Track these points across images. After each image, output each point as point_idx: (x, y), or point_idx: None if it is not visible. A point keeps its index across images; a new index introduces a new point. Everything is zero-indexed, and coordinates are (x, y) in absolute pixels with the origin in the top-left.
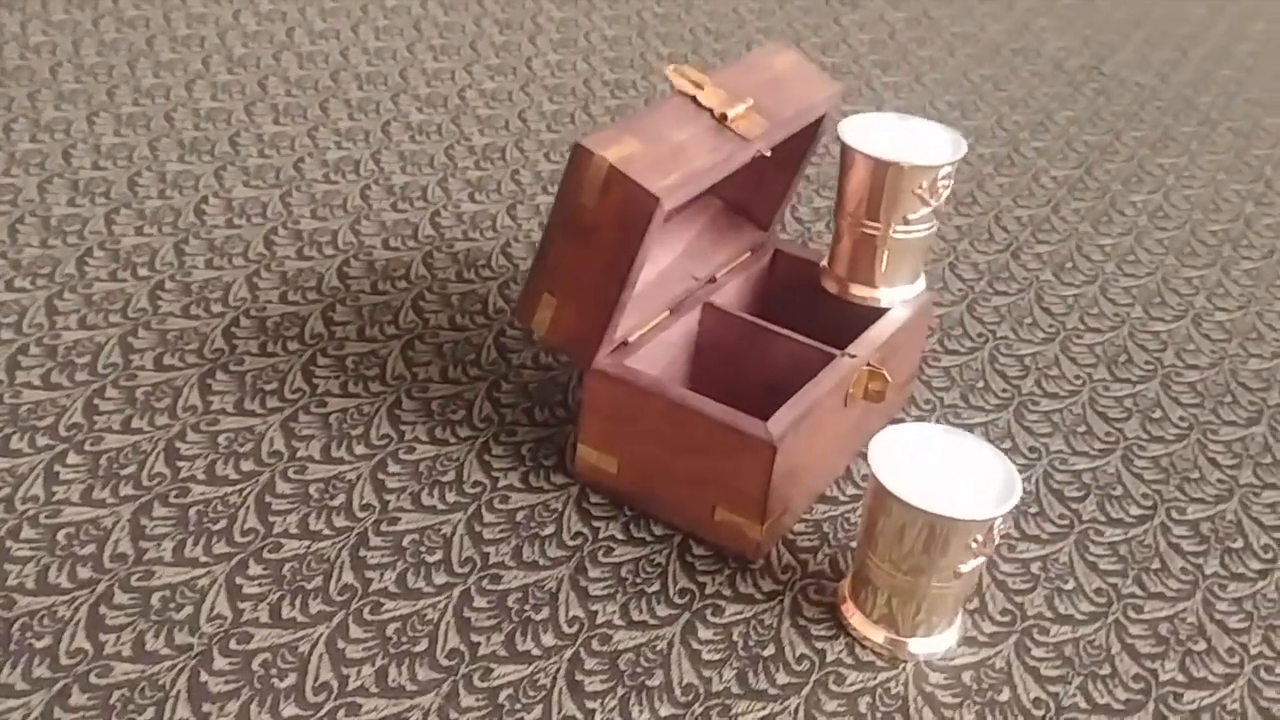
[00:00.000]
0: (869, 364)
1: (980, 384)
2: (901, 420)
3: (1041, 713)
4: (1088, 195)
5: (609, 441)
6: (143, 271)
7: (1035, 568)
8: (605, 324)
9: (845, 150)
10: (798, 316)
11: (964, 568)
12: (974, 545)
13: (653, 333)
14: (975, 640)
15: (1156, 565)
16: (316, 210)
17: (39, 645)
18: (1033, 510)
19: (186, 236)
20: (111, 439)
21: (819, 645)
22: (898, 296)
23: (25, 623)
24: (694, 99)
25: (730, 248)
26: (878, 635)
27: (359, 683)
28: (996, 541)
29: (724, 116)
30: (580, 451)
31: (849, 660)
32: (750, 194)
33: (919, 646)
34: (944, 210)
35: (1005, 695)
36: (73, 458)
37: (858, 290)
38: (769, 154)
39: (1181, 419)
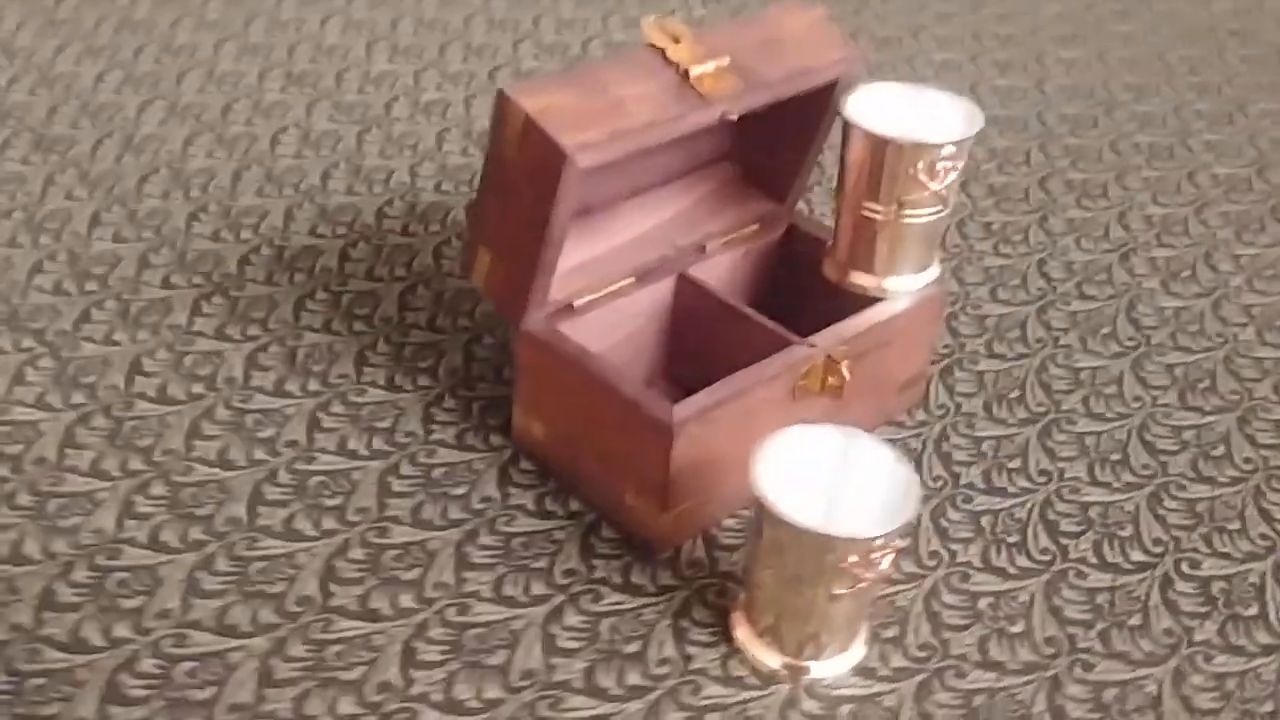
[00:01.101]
0: (828, 356)
1: (1015, 394)
2: (902, 424)
3: None
4: (1246, 199)
5: (537, 407)
6: (194, 193)
7: (984, 603)
8: (530, 284)
9: (845, 123)
10: (807, 298)
11: (839, 590)
12: (850, 567)
13: (610, 299)
14: (874, 672)
15: (1136, 621)
16: (384, 149)
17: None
18: (1010, 539)
19: (249, 164)
20: (89, 348)
21: (690, 651)
22: (902, 286)
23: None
24: (664, 53)
25: (730, 218)
26: (759, 650)
27: (198, 616)
28: (883, 566)
29: (686, 74)
30: (515, 414)
31: (716, 672)
32: (766, 163)
33: (798, 670)
34: (946, 195)
35: None
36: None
37: (857, 278)
38: (735, 118)
39: (1247, 461)
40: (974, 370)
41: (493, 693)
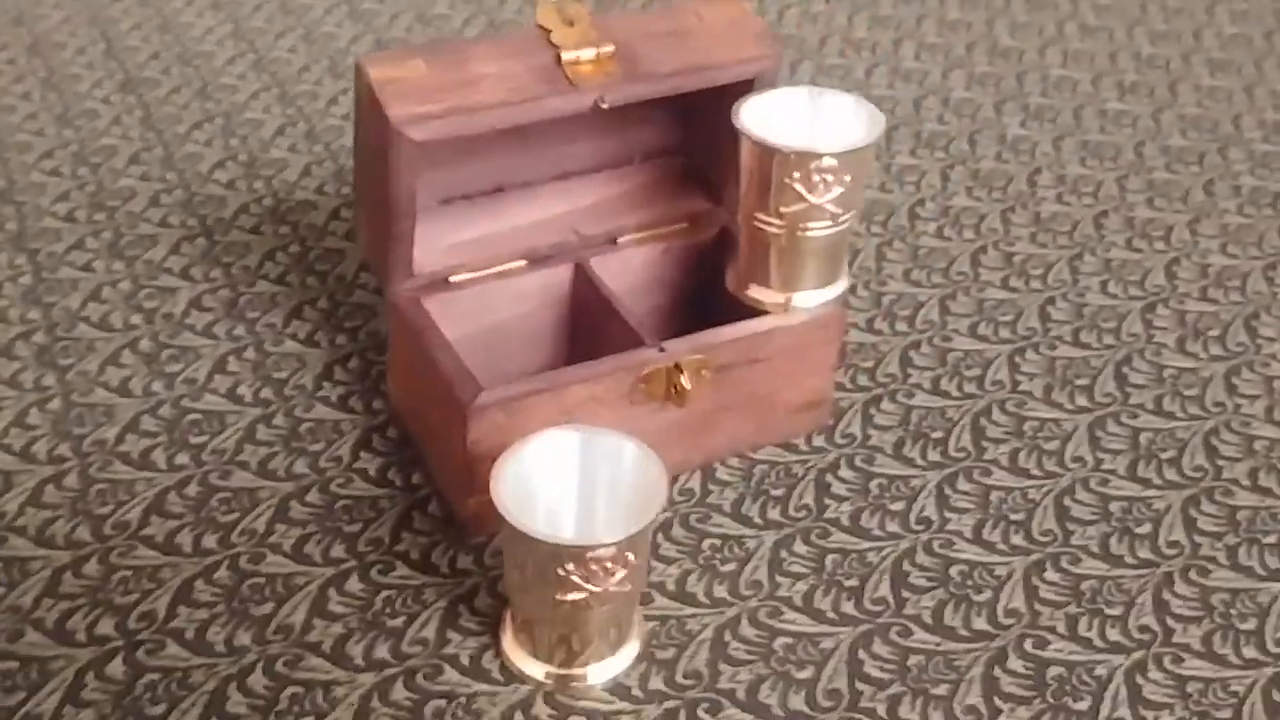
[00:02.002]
0: (676, 364)
1: (938, 435)
2: (796, 447)
3: None
4: None
5: (396, 374)
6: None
7: (780, 644)
8: (387, 252)
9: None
10: (734, 305)
11: (564, 597)
12: (570, 574)
13: (495, 279)
14: (627, 691)
15: (942, 692)
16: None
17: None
18: (849, 582)
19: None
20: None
21: (451, 636)
22: (800, 302)
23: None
24: (549, 35)
25: (654, 213)
26: (512, 649)
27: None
28: (616, 579)
29: (558, 58)
30: (388, 382)
31: (465, 662)
32: (709, 162)
33: (540, 673)
34: (832, 209)
35: None
36: None
37: (754, 291)
38: (605, 105)
39: (1172, 545)
40: (905, 404)
41: (243, 640)
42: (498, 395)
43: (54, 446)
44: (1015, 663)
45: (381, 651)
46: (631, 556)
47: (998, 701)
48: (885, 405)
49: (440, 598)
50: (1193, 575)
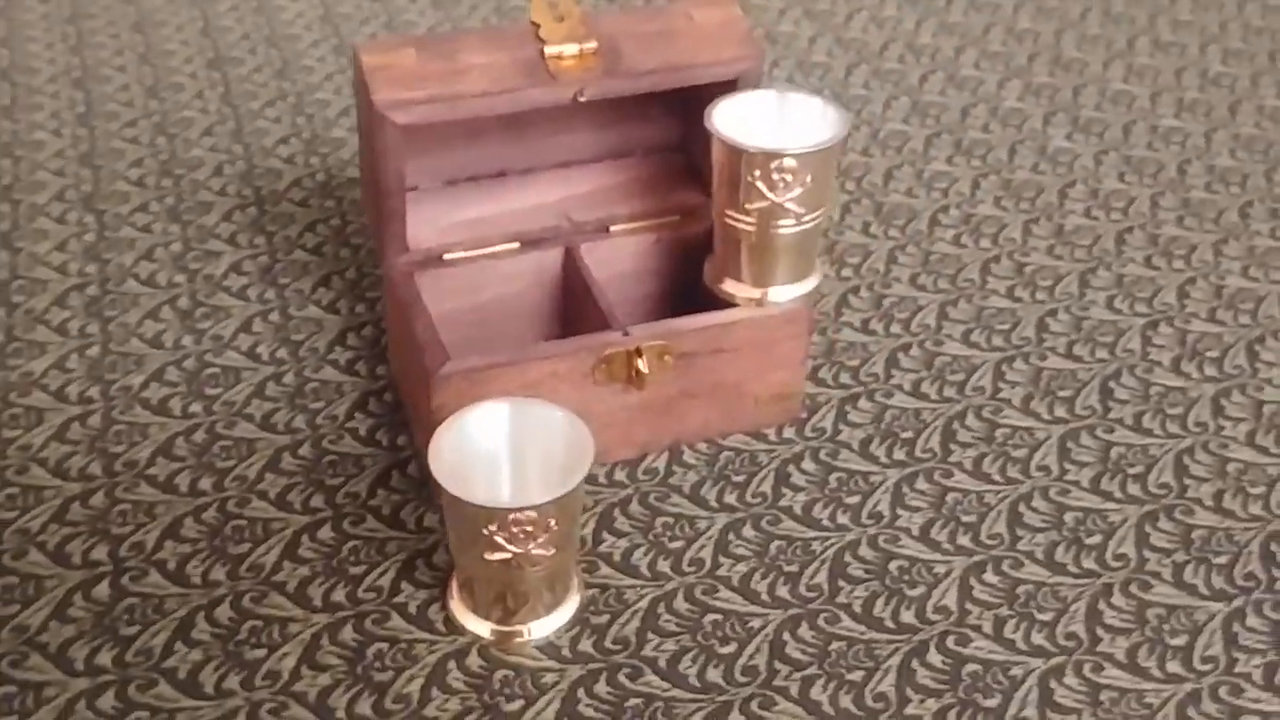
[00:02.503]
0: (636, 348)
1: (907, 435)
2: (765, 437)
3: None
4: None
5: (390, 344)
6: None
7: (710, 620)
8: (381, 228)
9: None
10: (710, 297)
11: (491, 556)
12: (493, 535)
13: (488, 259)
14: (557, 650)
15: (856, 677)
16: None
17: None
18: (788, 567)
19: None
20: (127, 231)
21: (404, 587)
22: (772, 297)
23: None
24: (538, 29)
25: (647, 205)
26: (454, 604)
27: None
28: (538, 542)
29: (542, 52)
30: (388, 348)
31: (413, 611)
32: (705, 158)
33: (479, 628)
34: (792, 208)
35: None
36: None
37: (727, 285)
38: (583, 98)
39: (1118, 558)
40: (882, 403)
41: (218, 575)
42: (462, 365)
43: (85, 389)
44: (934, 657)
45: (338, 595)
46: (553, 523)
47: (909, 692)
48: (862, 404)
49: (401, 551)
50: (1133, 589)
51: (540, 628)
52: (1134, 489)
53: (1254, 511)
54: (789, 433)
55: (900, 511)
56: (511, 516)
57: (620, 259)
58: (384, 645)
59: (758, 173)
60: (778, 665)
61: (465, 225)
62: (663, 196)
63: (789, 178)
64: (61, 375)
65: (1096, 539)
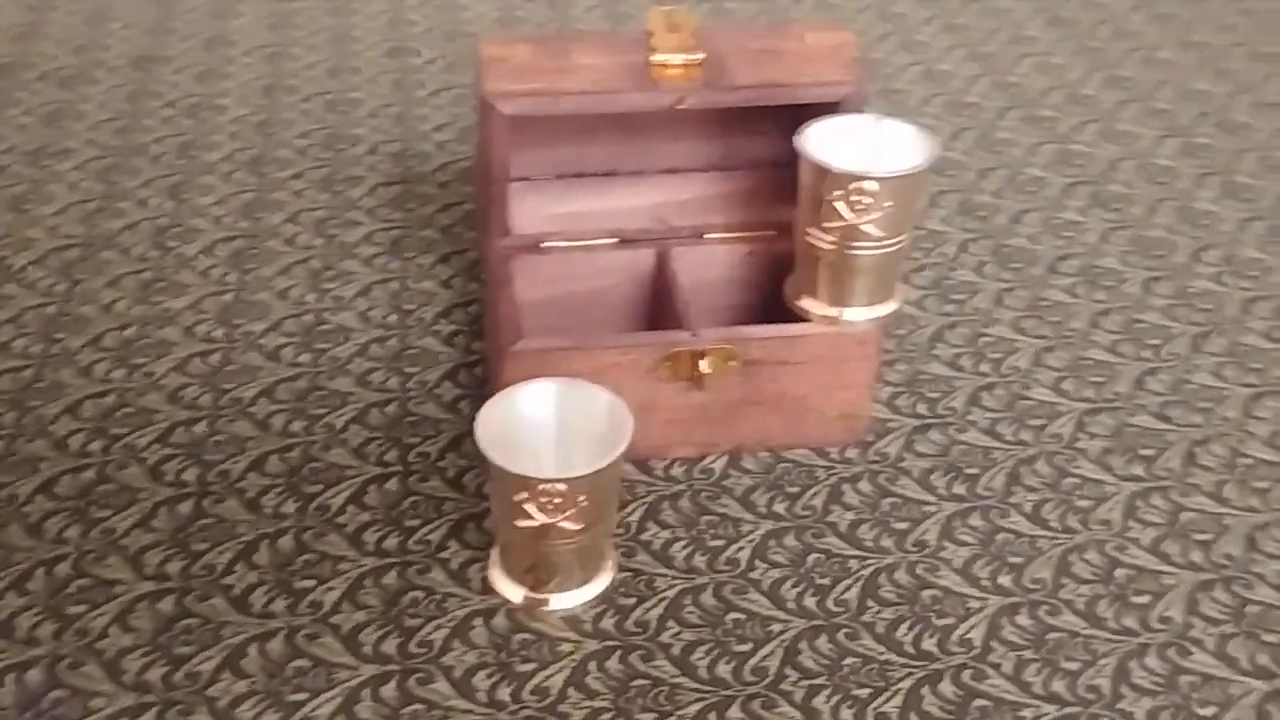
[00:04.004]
0: (702, 349)
1: (972, 472)
2: (827, 454)
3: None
4: None
5: (485, 320)
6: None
7: (731, 619)
8: (485, 212)
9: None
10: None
11: (521, 524)
12: (522, 503)
13: (584, 251)
14: (579, 624)
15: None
16: None
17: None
18: (821, 580)
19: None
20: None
21: (451, 544)
22: (847, 316)
23: None
24: (652, 37)
25: (743, 218)
26: (493, 567)
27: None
28: (566, 513)
29: (648, 60)
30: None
31: (454, 567)
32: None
33: (511, 592)
34: (871, 231)
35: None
36: None
37: (804, 302)
38: (682, 106)
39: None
40: (953, 437)
41: (288, 509)
42: (533, 345)
43: (212, 330)
44: (946, 687)
45: (390, 543)
46: (582, 499)
47: (912, 716)
48: (933, 435)
49: (456, 512)
50: (1170, 653)
51: (567, 600)
52: (1196, 555)
53: None
54: (852, 453)
55: (946, 544)
56: (541, 487)
57: (711, 266)
58: (420, 594)
59: (838, 193)
60: (788, 670)
61: (567, 217)
62: (761, 210)
63: (868, 200)
64: (195, 315)
65: (1144, 599)
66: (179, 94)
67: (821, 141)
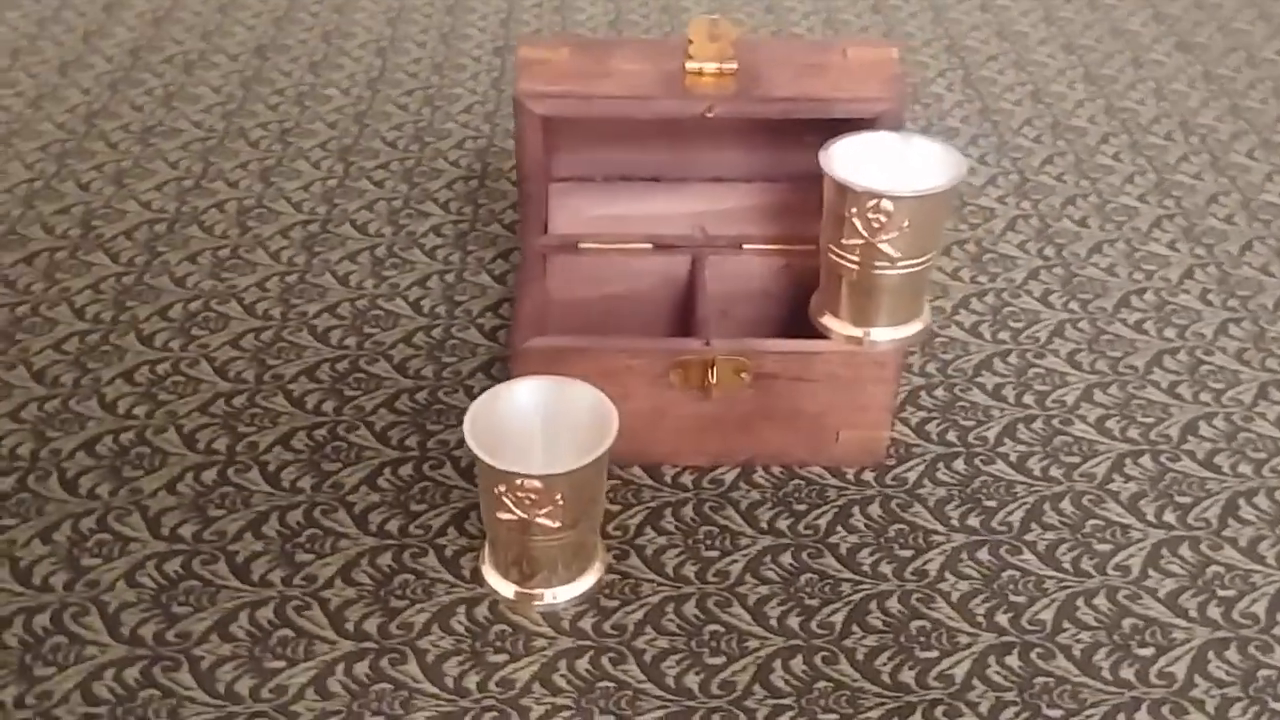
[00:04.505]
0: (710, 359)
1: (991, 504)
2: (842, 475)
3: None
4: None
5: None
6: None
7: (710, 631)
8: (521, 209)
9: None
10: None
11: (499, 515)
12: (501, 496)
13: (620, 254)
14: (557, 621)
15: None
16: None
17: None
18: (818, 594)
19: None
20: None
21: (450, 532)
22: (869, 336)
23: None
24: (690, 44)
25: (785, 229)
26: (483, 558)
27: None
28: (544, 511)
29: (682, 67)
30: None
31: (448, 554)
32: None
33: (496, 583)
34: (886, 251)
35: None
36: None
37: (825, 319)
38: (710, 114)
39: None
40: (977, 468)
41: (305, 485)
42: (543, 344)
43: (270, 308)
44: None
45: (392, 525)
46: (559, 497)
47: None
48: (957, 465)
49: (462, 501)
50: (1164, 710)
51: (550, 596)
52: (1214, 612)
53: None
54: (868, 475)
55: (948, 575)
56: (518, 482)
57: (748, 277)
58: (410, 577)
59: (855, 210)
60: (756, 688)
61: (606, 220)
62: (800, 224)
63: (883, 219)
64: (257, 292)
65: (1148, 651)
66: (289, 82)
67: (850, 158)
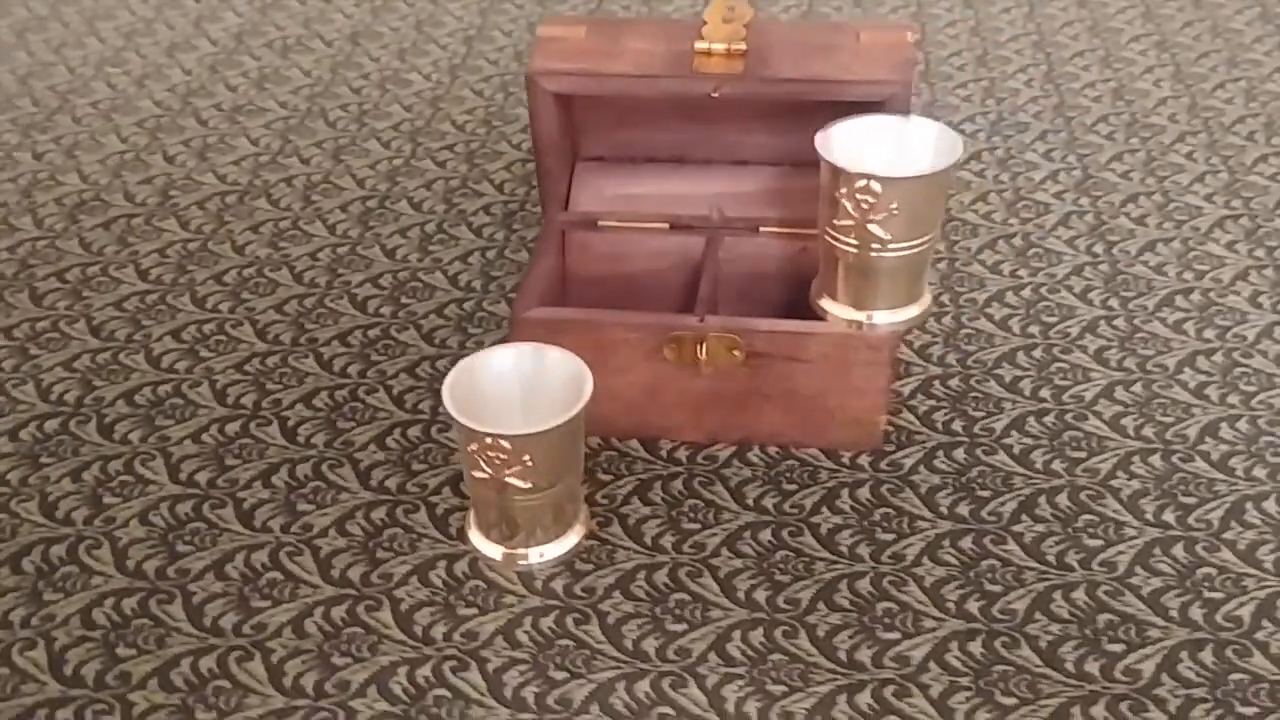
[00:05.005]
0: (703, 336)
1: (985, 494)
2: (838, 457)
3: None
4: None
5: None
6: None
7: (676, 600)
8: (540, 185)
9: None
10: None
11: (472, 473)
12: (475, 454)
13: (638, 233)
14: (530, 580)
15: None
16: None
17: None
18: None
19: None
20: None
21: (445, 494)
22: (863, 319)
23: None
24: (704, 26)
25: (805, 212)
26: (469, 518)
27: None
28: (513, 469)
29: (692, 46)
30: None
31: (439, 513)
32: None
33: (478, 541)
34: (876, 233)
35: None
36: None
37: (823, 301)
38: (716, 94)
39: None
40: (977, 458)
41: (317, 440)
42: (541, 314)
43: (317, 277)
44: (863, 699)
45: (391, 482)
46: (528, 458)
47: None
48: (957, 454)
49: (461, 463)
50: (1122, 707)
51: (535, 555)
52: (1196, 613)
53: None
54: (864, 459)
55: (925, 561)
56: (488, 440)
57: (763, 260)
58: (399, 531)
59: (844, 191)
60: (711, 656)
61: (627, 199)
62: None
63: (871, 200)
64: (308, 262)
65: (1117, 648)
66: (375, 67)
67: (854, 141)
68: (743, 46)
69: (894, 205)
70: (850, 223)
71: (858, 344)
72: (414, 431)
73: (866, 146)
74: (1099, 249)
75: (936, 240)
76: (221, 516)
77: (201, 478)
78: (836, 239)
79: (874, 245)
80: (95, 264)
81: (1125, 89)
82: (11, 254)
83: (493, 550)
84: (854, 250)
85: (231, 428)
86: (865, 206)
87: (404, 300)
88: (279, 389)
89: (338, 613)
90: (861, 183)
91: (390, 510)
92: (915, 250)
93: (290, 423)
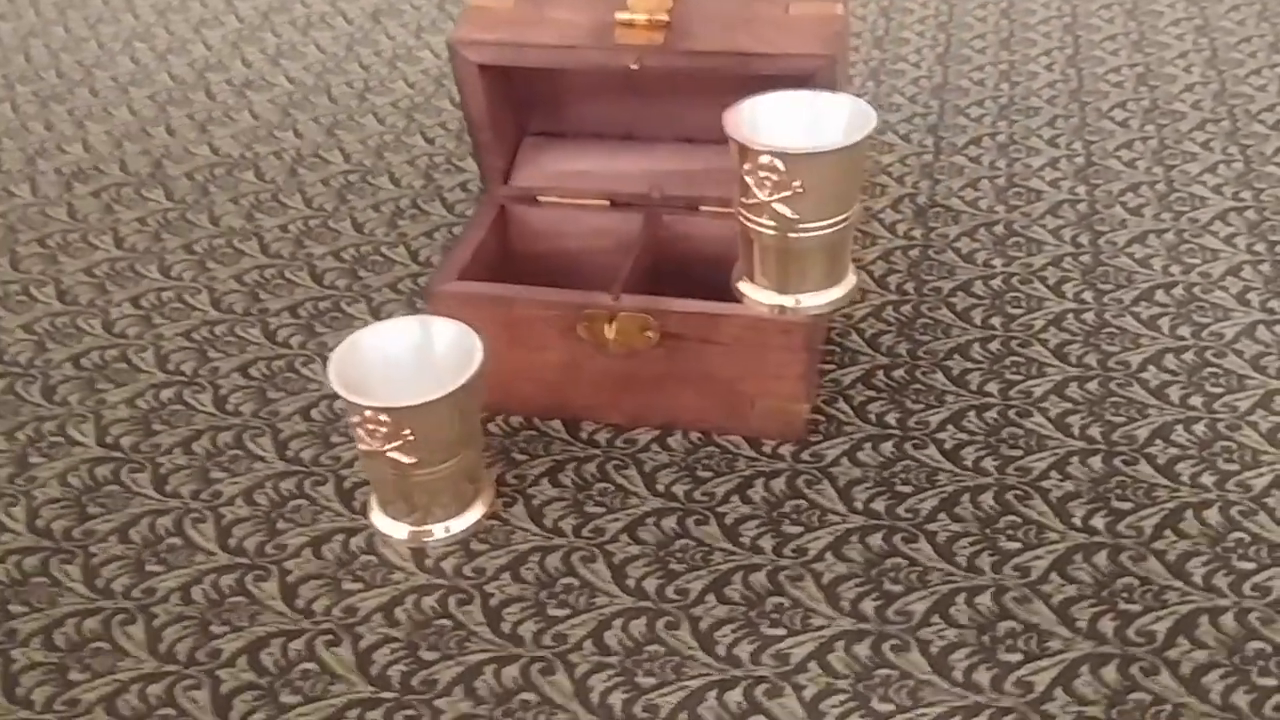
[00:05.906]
0: (614, 315)
1: (907, 489)
2: (759, 445)
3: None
4: None
5: None
6: None
7: (562, 584)
8: (478, 160)
9: None
10: None
11: (360, 446)
12: (356, 427)
13: (579, 209)
14: (422, 557)
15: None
16: None
17: None
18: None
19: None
20: None
21: (357, 468)
22: (779, 302)
23: None
24: None
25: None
26: (370, 498)
27: None
28: (394, 443)
29: (615, 18)
30: None
31: (347, 488)
32: None
33: (382, 522)
34: (780, 212)
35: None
36: None
37: (742, 284)
38: (635, 67)
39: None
40: (904, 453)
41: (248, 409)
42: (454, 289)
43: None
44: (734, 697)
45: (307, 455)
46: (408, 432)
47: (683, 716)
48: (884, 448)
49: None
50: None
51: (432, 532)
52: (1106, 627)
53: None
54: (786, 449)
55: (828, 557)
56: (367, 413)
57: (704, 239)
58: (304, 503)
59: (748, 168)
60: (588, 645)
61: (569, 175)
62: None
63: (774, 177)
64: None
65: (1015, 657)
66: (390, 44)
67: (768, 116)
68: (665, 17)
69: (798, 183)
70: (757, 201)
71: (770, 327)
72: (341, 404)
73: (781, 124)
74: (1084, 239)
75: (855, 219)
76: (136, 481)
77: (126, 442)
78: (748, 219)
79: (784, 225)
80: (76, 230)
81: (1152, 73)
82: (3, 219)
83: (390, 527)
84: (765, 231)
85: (166, 393)
86: (769, 184)
87: (361, 274)
88: (219, 357)
89: (226, 581)
90: (765, 159)
91: (300, 482)
92: (829, 231)
93: (222, 390)
